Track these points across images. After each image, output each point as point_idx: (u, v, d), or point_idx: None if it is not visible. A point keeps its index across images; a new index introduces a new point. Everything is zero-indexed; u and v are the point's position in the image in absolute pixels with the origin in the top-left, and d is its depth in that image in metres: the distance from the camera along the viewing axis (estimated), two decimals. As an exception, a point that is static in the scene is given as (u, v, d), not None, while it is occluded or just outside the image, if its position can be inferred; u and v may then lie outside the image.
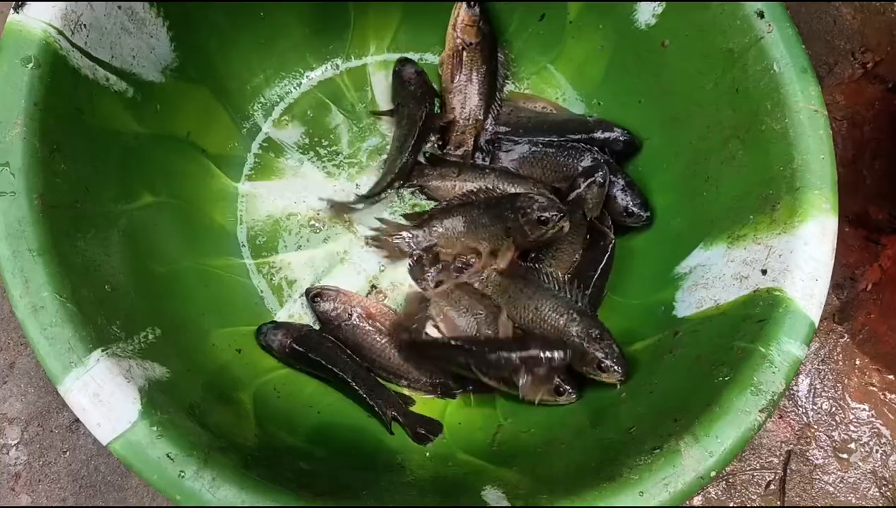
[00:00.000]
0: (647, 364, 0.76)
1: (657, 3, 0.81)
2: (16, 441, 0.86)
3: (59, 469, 0.85)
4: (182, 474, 0.55)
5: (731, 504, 0.90)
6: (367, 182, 0.93)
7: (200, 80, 0.84)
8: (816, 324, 0.64)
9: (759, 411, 0.61)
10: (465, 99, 0.93)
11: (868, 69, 1.00)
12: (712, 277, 0.75)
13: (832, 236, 0.66)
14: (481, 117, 0.93)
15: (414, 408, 0.82)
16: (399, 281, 0.90)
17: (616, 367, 0.76)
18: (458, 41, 0.92)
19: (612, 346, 0.77)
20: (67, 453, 0.86)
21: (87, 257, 0.63)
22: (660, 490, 0.58)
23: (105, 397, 0.56)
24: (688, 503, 0.85)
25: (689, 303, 0.76)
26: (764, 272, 0.68)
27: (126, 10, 0.71)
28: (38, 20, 0.62)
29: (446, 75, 0.94)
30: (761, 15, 0.72)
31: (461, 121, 0.94)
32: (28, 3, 0.62)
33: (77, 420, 0.56)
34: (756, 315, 0.66)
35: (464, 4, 0.91)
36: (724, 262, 0.74)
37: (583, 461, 0.66)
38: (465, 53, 0.92)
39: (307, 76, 0.95)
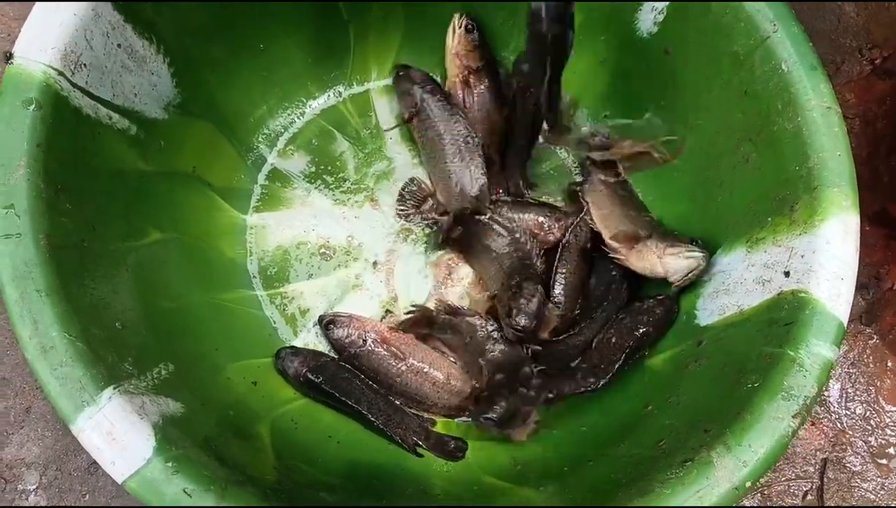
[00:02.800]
0: (671, 375, 0.75)
1: (658, 11, 0.80)
2: (34, 486, 0.84)
3: (78, 513, 0.84)
4: (200, 510, 0.53)
5: (769, 517, 0.87)
6: (368, 211, 0.93)
7: (203, 114, 0.84)
8: (846, 324, 0.62)
9: (793, 417, 0.59)
10: (487, 116, 0.92)
11: (876, 65, 0.99)
12: (733, 282, 0.73)
13: (855, 233, 0.65)
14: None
15: (435, 429, 0.81)
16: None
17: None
18: (462, 68, 0.91)
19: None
20: (87, 496, 0.85)
21: (96, 296, 0.63)
22: (693, 503, 0.56)
23: (119, 435, 0.55)
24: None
25: (712, 311, 0.75)
26: (787, 274, 0.66)
27: (126, 48, 0.71)
28: (37, 62, 0.62)
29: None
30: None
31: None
32: (16, 54, 0.62)
33: (96, 462, 0.55)
34: (782, 318, 0.64)
35: (461, 30, 0.89)
36: (744, 267, 0.72)
37: (612, 478, 0.64)
38: (471, 78, 0.91)
39: (310, 105, 0.95)
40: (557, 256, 0.86)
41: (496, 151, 0.93)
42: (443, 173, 0.91)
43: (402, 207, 0.92)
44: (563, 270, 0.86)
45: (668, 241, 0.79)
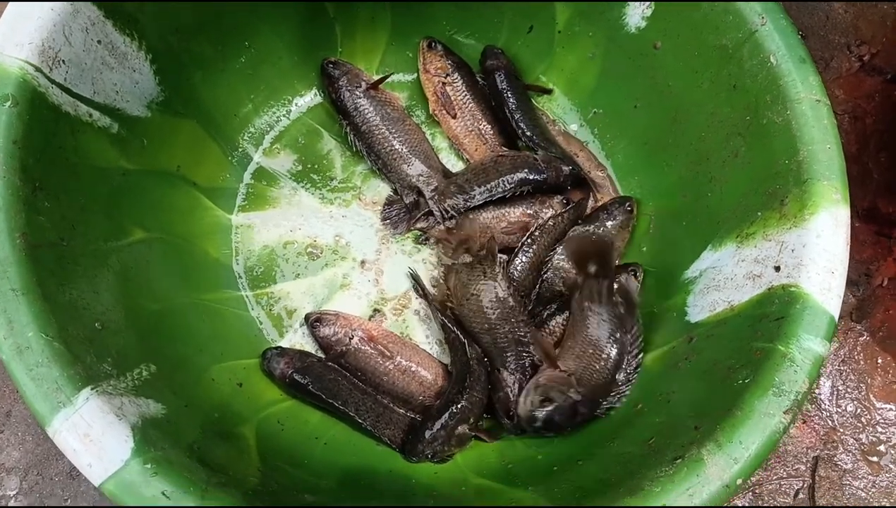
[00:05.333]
0: (662, 373, 0.74)
1: (647, 3, 0.79)
2: (14, 492, 0.83)
3: (61, 519, 0.83)
4: (179, 512, 0.52)
5: (761, 516, 0.86)
6: (356, 210, 0.92)
7: (187, 112, 0.83)
8: (837, 319, 0.62)
9: (784, 413, 0.58)
10: (476, 123, 0.92)
11: (865, 61, 0.99)
12: (724, 278, 0.73)
13: (845, 226, 0.64)
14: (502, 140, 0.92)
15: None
16: (402, 304, 0.88)
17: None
18: (436, 80, 0.91)
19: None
20: (69, 501, 0.83)
21: (75, 295, 0.61)
22: (684, 502, 0.55)
23: (95, 436, 0.53)
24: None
25: (702, 307, 0.74)
26: (777, 269, 0.66)
27: (107, 44, 0.69)
28: (13, 57, 0.61)
29: (446, 122, 0.92)
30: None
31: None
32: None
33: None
34: (773, 313, 0.63)
35: (425, 49, 0.91)
36: (734, 262, 0.72)
37: (601, 477, 0.64)
38: (448, 89, 0.91)
39: (296, 103, 0.94)
40: (531, 232, 0.86)
41: (500, 145, 0.92)
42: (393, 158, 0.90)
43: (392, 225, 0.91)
44: (529, 250, 0.86)
45: None
